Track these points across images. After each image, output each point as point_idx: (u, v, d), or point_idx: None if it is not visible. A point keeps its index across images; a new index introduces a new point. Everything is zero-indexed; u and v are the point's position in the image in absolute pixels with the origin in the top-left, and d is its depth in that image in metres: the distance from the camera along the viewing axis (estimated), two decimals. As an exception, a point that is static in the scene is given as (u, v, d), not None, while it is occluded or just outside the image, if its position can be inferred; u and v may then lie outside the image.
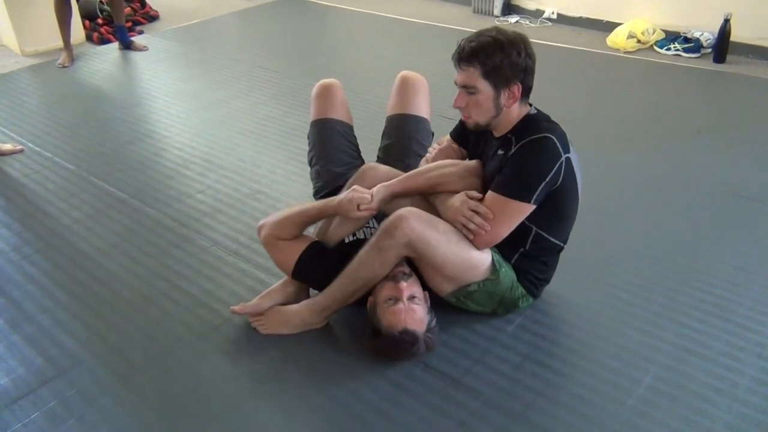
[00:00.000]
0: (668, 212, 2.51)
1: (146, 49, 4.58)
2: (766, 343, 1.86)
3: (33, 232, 2.51)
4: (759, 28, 4.03)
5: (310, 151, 2.31)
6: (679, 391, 1.70)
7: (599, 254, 2.26)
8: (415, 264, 1.83)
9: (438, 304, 1.85)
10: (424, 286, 1.84)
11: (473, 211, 1.74)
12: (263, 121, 3.40)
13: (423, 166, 2.03)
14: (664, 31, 4.35)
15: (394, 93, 2.38)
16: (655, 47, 4.29)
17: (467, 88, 1.74)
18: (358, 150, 2.35)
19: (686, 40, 4.19)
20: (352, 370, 1.80)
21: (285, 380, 1.80)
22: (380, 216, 1.89)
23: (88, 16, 5.00)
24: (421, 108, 2.33)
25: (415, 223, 1.72)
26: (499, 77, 1.70)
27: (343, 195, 1.89)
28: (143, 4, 5.43)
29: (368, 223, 1.99)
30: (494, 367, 1.79)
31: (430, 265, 1.78)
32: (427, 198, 1.88)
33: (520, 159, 1.72)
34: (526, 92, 1.75)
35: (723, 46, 4.01)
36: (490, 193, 1.75)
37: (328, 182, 2.19)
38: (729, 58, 4.04)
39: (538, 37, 4.59)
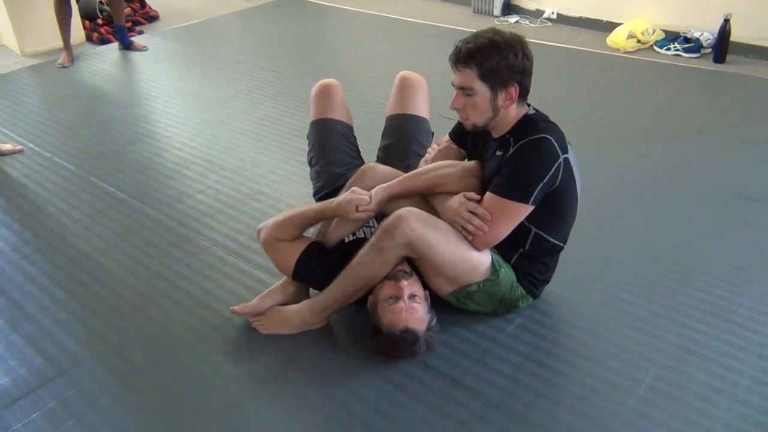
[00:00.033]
0: (668, 212, 2.51)
1: (146, 50, 4.58)
2: (766, 343, 1.86)
3: (33, 232, 2.51)
4: (759, 28, 4.03)
5: (309, 152, 2.31)
6: (679, 391, 1.70)
7: (599, 254, 2.26)
8: (415, 264, 1.83)
9: (438, 304, 1.85)
10: (424, 285, 1.84)
11: (471, 212, 1.74)
12: (263, 121, 3.41)
13: (422, 166, 2.03)
14: (664, 31, 4.35)
15: (393, 93, 2.38)
16: (655, 47, 4.29)
17: (464, 90, 1.74)
18: (358, 150, 2.35)
19: (686, 40, 4.19)
20: (352, 370, 1.80)
21: (285, 380, 1.80)
22: (380, 215, 1.89)
23: (88, 16, 5.00)
24: (421, 108, 2.33)
25: (415, 223, 1.72)
26: (495, 79, 1.69)
27: (342, 197, 1.89)
28: (143, 5, 5.43)
29: (368, 222, 1.99)
30: (494, 367, 1.79)
31: (430, 266, 1.78)
32: (426, 199, 1.88)
33: (518, 160, 1.72)
34: (523, 93, 1.75)
35: (723, 46, 4.01)
36: (488, 195, 1.75)
37: (328, 182, 2.19)
38: (729, 58, 4.04)
39: (538, 37, 4.60)
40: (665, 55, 4.21)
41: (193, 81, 4.06)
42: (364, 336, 1.83)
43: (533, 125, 1.75)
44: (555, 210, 1.80)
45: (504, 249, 1.83)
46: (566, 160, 1.72)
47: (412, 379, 1.76)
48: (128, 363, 1.86)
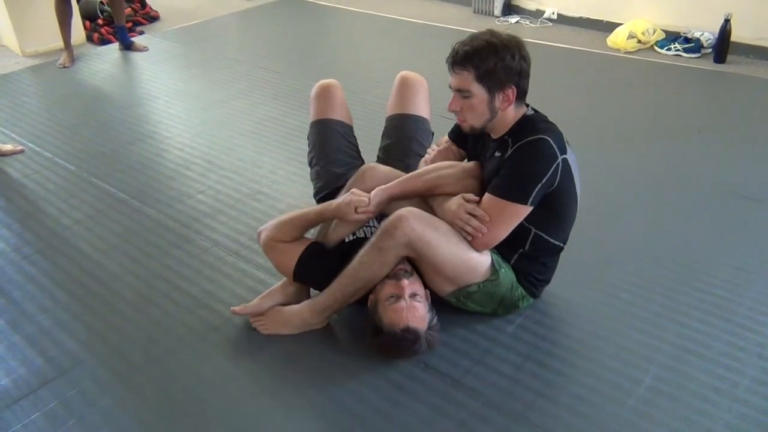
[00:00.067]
0: (668, 212, 2.51)
1: (146, 50, 4.58)
2: (766, 343, 1.85)
3: (33, 233, 2.51)
4: (759, 29, 4.03)
5: (310, 152, 2.32)
6: (680, 391, 1.70)
7: (599, 254, 2.26)
8: (415, 264, 1.83)
9: (438, 303, 1.85)
10: (425, 285, 1.84)
11: (470, 214, 1.74)
12: (263, 122, 3.41)
13: (421, 167, 2.03)
14: (665, 31, 4.35)
15: (393, 93, 2.39)
16: (656, 47, 4.29)
17: (461, 92, 1.74)
18: (358, 150, 2.35)
19: (686, 40, 4.19)
20: (353, 371, 1.80)
21: (285, 380, 1.80)
22: (381, 215, 1.89)
23: (88, 16, 5.01)
24: (421, 108, 2.33)
25: (415, 223, 1.72)
26: (493, 81, 1.69)
27: (341, 198, 1.90)
28: (143, 5, 5.43)
29: (369, 221, 1.99)
30: (494, 368, 1.79)
31: (430, 266, 1.78)
32: (426, 200, 1.88)
33: (516, 161, 1.72)
34: (521, 95, 1.75)
35: (723, 46, 4.00)
36: (487, 196, 1.76)
37: (328, 183, 2.20)
38: (729, 58, 4.04)
39: (538, 37, 4.60)
40: (666, 55, 4.21)
41: (193, 81, 4.06)
42: (364, 336, 1.84)
43: (531, 126, 1.75)
44: (554, 210, 1.80)
45: (504, 249, 1.83)
46: (565, 160, 1.71)
47: (413, 379, 1.76)
48: (128, 363, 1.86)
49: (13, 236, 2.50)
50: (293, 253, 1.91)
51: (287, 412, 1.70)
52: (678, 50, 4.18)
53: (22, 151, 3.15)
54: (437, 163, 1.95)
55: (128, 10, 5.07)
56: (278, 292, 1.99)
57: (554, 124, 1.79)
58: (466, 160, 2.03)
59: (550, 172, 1.69)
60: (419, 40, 4.73)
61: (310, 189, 2.30)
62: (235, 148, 3.13)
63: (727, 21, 3.92)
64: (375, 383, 1.76)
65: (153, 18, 5.40)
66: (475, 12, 5.29)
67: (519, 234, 1.79)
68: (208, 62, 4.36)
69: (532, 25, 4.97)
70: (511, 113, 1.76)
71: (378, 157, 2.31)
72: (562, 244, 1.89)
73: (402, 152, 2.25)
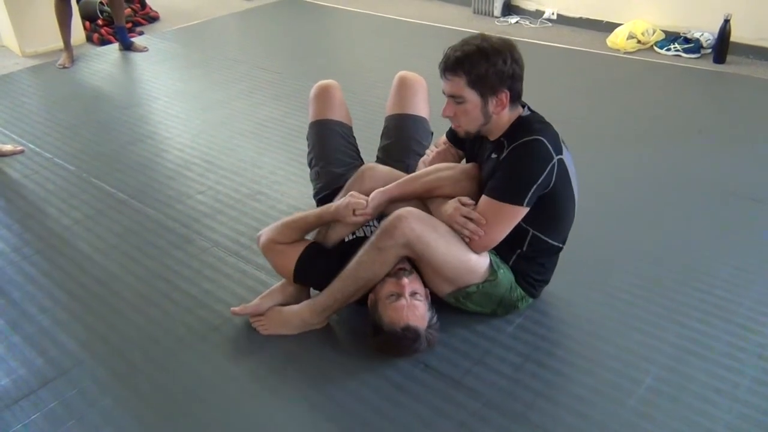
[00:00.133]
0: (668, 212, 2.51)
1: (146, 50, 4.58)
2: (767, 343, 1.85)
3: (33, 233, 2.51)
4: (759, 29, 4.03)
5: (309, 153, 2.32)
6: (680, 391, 1.70)
7: (599, 255, 2.26)
8: (414, 263, 1.83)
9: (438, 303, 1.85)
10: (424, 284, 1.84)
11: (466, 217, 1.74)
12: (264, 122, 3.41)
13: (420, 167, 2.04)
14: (664, 31, 4.35)
15: (392, 93, 2.39)
16: (655, 48, 4.29)
17: (454, 98, 1.74)
18: (358, 150, 2.35)
19: (686, 40, 4.19)
20: (353, 371, 1.80)
21: (285, 380, 1.80)
22: (381, 214, 1.90)
23: (88, 17, 5.01)
24: (420, 108, 2.33)
25: (415, 223, 1.72)
26: (485, 86, 1.69)
27: (340, 201, 1.90)
28: (143, 5, 5.43)
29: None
30: (494, 368, 1.79)
31: (429, 266, 1.78)
32: (424, 202, 1.88)
33: (511, 162, 1.72)
34: (514, 98, 1.74)
35: (723, 46, 4.01)
36: (483, 198, 1.76)
37: (328, 183, 2.20)
38: (729, 58, 4.04)
39: (538, 37, 4.61)
40: (665, 55, 4.21)
41: (193, 82, 4.06)
42: (364, 336, 1.84)
43: (527, 127, 1.75)
44: (552, 211, 1.80)
45: (502, 250, 1.84)
46: (560, 161, 1.71)
47: (412, 380, 1.76)
48: (128, 363, 1.86)
49: (13, 237, 2.50)
50: (293, 254, 1.91)
51: (287, 412, 1.70)
52: (678, 50, 4.18)
53: (22, 152, 3.15)
54: (435, 165, 1.95)
55: (128, 11, 5.07)
56: (278, 293, 1.99)
57: (550, 124, 1.79)
58: (464, 160, 2.03)
59: (546, 172, 1.69)
60: (419, 40, 4.73)
61: (310, 189, 2.30)
62: (235, 149, 3.13)
63: (726, 21, 3.93)
64: (375, 383, 1.75)
65: (153, 18, 5.40)
66: (474, 12, 5.29)
67: (517, 235, 1.79)
68: (208, 63, 4.36)
69: (532, 25, 4.97)
70: (505, 116, 1.76)
71: (377, 157, 2.31)
72: (560, 245, 1.89)
73: (401, 152, 2.25)
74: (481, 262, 1.79)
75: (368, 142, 2.44)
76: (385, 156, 2.27)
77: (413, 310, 1.73)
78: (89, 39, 4.91)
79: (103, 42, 4.83)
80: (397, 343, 1.75)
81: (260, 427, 1.65)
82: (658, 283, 2.10)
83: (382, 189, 1.89)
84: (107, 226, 2.53)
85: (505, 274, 1.85)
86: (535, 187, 1.69)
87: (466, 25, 4.95)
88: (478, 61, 1.67)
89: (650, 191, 2.66)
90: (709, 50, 4.13)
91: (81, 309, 2.08)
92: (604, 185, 2.66)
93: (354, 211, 1.86)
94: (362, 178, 2.01)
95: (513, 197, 1.72)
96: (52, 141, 3.27)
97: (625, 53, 4.28)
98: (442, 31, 4.85)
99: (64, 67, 4.29)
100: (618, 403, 1.67)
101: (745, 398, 1.67)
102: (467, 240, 1.75)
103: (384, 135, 2.36)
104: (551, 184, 1.72)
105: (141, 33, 5.07)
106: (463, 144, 2.00)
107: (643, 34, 4.30)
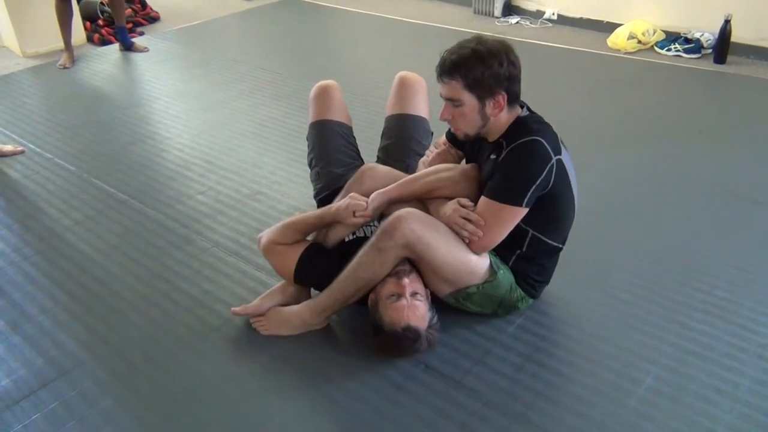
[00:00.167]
0: (669, 213, 2.51)
1: (147, 51, 4.58)
2: (767, 343, 1.85)
3: (34, 234, 2.51)
4: (759, 29, 4.02)
5: (309, 153, 2.32)
6: (680, 392, 1.70)
7: (599, 255, 2.26)
8: (414, 264, 1.83)
9: (438, 304, 1.85)
10: (424, 284, 1.84)
11: (464, 218, 1.74)
12: (264, 122, 3.41)
13: (420, 168, 2.04)
14: (665, 31, 4.35)
15: (392, 93, 2.39)
16: (656, 48, 4.29)
17: (452, 101, 1.74)
18: (358, 151, 2.35)
19: (687, 40, 4.19)
20: (353, 371, 1.80)
21: (285, 381, 1.80)
22: (381, 214, 1.90)
23: (88, 17, 5.01)
24: (420, 108, 2.33)
25: (415, 224, 1.72)
26: (482, 89, 1.69)
27: (340, 202, 1.91)
28: (144, 6, 5.44)
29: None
30: (495, 368, 1.79)
31: (429, 267, 1.78)
32: (424, 203, 1.88)
33: (510, 163, 1.72)
34: (512, 99, 1.74)
35: (723, 46, 4.00)
36: (482, 199, 1.76)
37: (328, 183, 2.20)
38: (729, 58, 4.04)
39: (538, 38, 4.61)
40: (666, 55, 4.21)
41: (194, 82, 4.07)
42: (364, 336, 1.84)
43: (525, 127, 1.75)
44: (551, 212, 1.80)
45: (502, 251, 1.84)
46: (559, 161, 1.71)
47: (413, 380, 1.76)
48: (129, 364, 1.86)
49: (13, 237, 2.50)
50: (293, 255, 1.92)
51: (287, 412, 1.70)
52: (678, 51, 4.18)
53: (22, 152, 3.15)
54: (435, 166, 1.95)
55: (128, 11, 5.07)
56: (278, 293, 1.99)
57: (549, 124, 1.79)
58: (464, 161, 2.03)
59: (544, 173, 1.69)
60: (419, 40, 4.73)
61: (310, 190, 2.30)
62: (235, 149, 3.13)
63: (727, 22, 3.92)
64: (375, 383, 1.75)
65: (153, 19, 5.40)
66: (475, 13, 5.29)
67: (516, 236, 1.79)
68: (208, 63, 4.36)
69: (533, 25, 4.97)
70: (504, 117, 1.76)
71: (378, 157, 2.31)
72: (560, 245, 1.89)
73: (401, 152, 2.25)
74: (481, 263, 1.79)
75: (368, 142, 2.44)
76: (386, 156, 2.27)
77: (414, 310, 1.73)
78: (90, 39, 4.92)
79: (104, 42, 4.84)
80: (397, 344, 1.74)
81: (260, 427, 1.65)
82: (658, 283, 2.10)
83: (381, 190, 1.89)
84: (108, 226, 2.53)
85: (505, 275, 1.85)
86: (533, 187, 1.69)
87: (466, 25, 4.95)
88: (474, 64, 1.67)
89: (650, 191, 2.66)
90: (710, 50, 4.13)
91: (81, 309, 2.08)
92: (604, 185, 2.66)
93: (354, 212, 1.87)
94: (362, 178, 2.01)
95: (512, 198, 1.72)
96: (53, 141, 3.27)
97: (625, 53, 4.28)
98: (442, 31, 4.85)
99: (65, 68, 4.29)
100: (618, 403, 1.67)
101: (746, 398, 1.67)
102: (467, 241, 1.75)
103: (384, 135, 2.36)
104: (550, 185, 1.71)
105: (141, 33, 5.07)
106: (462, 145, 2.00)
107: (643, 34, 4.30)
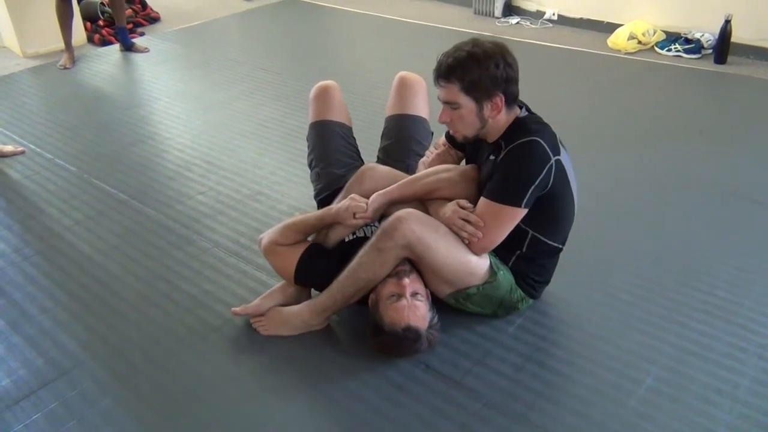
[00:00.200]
0: (669, 213, 2.51)
1: (147, 51, 4.58)
2: (767, 343, 1.85)
3: (34, 234, 2.51)
4: (760, 29, 4.02)
5: (309, 154, 2.32)
6: (680, 392, 1.70)
7: (599, 255, 2.25)
8: (414, 265, 1.83)
9: (438, 304, 1.85)
10: (424, 284, 1.84)
11: (464, 220, 1.74)
12: (264, 123, 3.41)
13: (420, 168, 2.04)
14: (665, 32, 4.35)
15: (392, 94, 2.39)
16: (656, 48, 4.28)
17: (450, 104, 1.74)
18: (358, 151, 2.35)
19: (687, 41, 4.19)
20: (353, 371, 1.80)
21: (285, 381, 1.80)
22: (381, 214, 1.90)
23: (89, 17, 5.01)
24: (420, 108, 2.33)
25: (415, 225, 1.72)
26: (479, 91, 1.69)
27: (340, 203, 1.91)
28: (144, 6, 5.44)
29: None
30: (495, 369, 1.79)
31: (429, 267, 1.78)
32: (424, 204, 1.88)
33: (508, 164, 1.72)
34: (510, 100, 1.74)
35: (724, 47, 4.00)
36: (482, 200, 1.76)
37: (328, 184, 2.20)
38: (730, 59, 4.04)
39: (538, 38, 4.61)
40: (666, 56, 4.21)
41: (194, 82, 4.07)
42: (364, 336, 1.84)
43: (524, 128, 1.75)
44: (550, 212, 1.80)
45: (501, 252, 1.84)
46: (558, 161, 1.71)
47: (413, 380, 1.76)
48: (129, 364, 1.86)
49: (13, 237, 2.50)
50: (293, 256, 1.92)
51: (287, 412, 1.70)
52: (678, 51, 4.18)
53: (22, 153, 3.15)
54: (435, 167, 1.95)
55: (129, 12, 5.08)
56: (278, 293, 1.99)
57: (548, 125, 1.79)
58: (464, 161, 2.03)
59: (543, 173, 1.69)
60: (420, 41, 4.73)
61: (310, 190, 2.30)
62: (235, 149, 3.13)
63: (727, 22, 3.92)
64: (375, 383, 1.75)
65: (154, 19, 5.41)
66: (475, 13, 5.29)
67: (516, 236, 1.79)
68: (208, 63, 4.37)
69: (533, 26, 4.97)
70: (502, 119, 1.76)
71: (378, 157, 2.31)
72: (560, 246, 1.89)
73: (402, 152, 2.25)
74: (481, 263, 1.79)
75: (368, 142, 2.44)
76: (386, 156, 2.27)
77: (414, 310, 1.73)
78: (90, 40, 4.92)
79: (104, 43, 4.84)
80: (397, 344, 1.75)
81: (260, 427, 1.65)
82: (658, 283, 2.10)
83: (381, 192, 1.90)
84: (108, 226, 2.53)
85: (505, 276, 1.85)
86: (532, 188, 1.69)
87: (466, 25, 4.95)
88: (471, 67, 1.67)
89: (651, 191, 2.66)
90: (710, 51, 4.12)
91: (81, 309, 2.08)
92: (605, 185, 2.66)
93: (354, 214, 1.87)
94: (362, 178, 2.01)
95: (511, 199, 1.72)
96: (53, 142, 3.27)
97: (625, 54, 4.28)
98: (442, 31, 4.85)
99: (65, 68, 4.29)
100: (618, 403, 1.67)
101: (746, 399, 1.67)
102: (466, 242, 1.75)
103: (384, 135, 2.36)
104: (549, 185, 1.71)
105: (142, 34, 5.07)
106: (462, 146, 2.00)
107: (643, 34, 4.30)
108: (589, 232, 2.18)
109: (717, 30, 4.00)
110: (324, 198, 2.18)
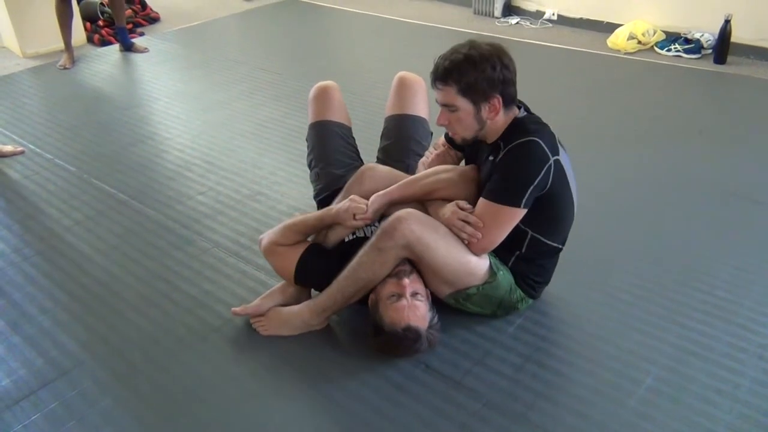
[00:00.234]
0: (669, 213, 2.51)
1: (147, 51, 4.58)
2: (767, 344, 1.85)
3: (34, 234, 2.51)
4: (759, 29, 4.03)
5: (309, 154, 2.32)
6: (680, 392, 1.70)
7: (600, 255, 2.25)
8: (414, 265, 1.83)
9: (438, 304, 1.85)
10: (424, 284, 1.84)
11: (463, 221, 1.74)
12: (264, 123, 3.41)
13: (420, 169, 2.04)
14: (665, 32, 4.35)
15: (392, 94, 2.39)
16: (656, 48, 4.29)
17: (447, 107, 1.74)
18: (357, 151, 2.35)
19: (687, 41, 4.19)
20: (353, 371, 1.80)
21: (285, 380, 1.80)
22: (381, 214, 1.90)
23: (89, 17, 5.01)
24: (419, 108, 2.34)
25: (415, 225, 1.72)
26: (476, 93, 1.69)
27: (340, 204, 1.91)
28: (144, 6, 5.44)
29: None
30: (495, 369, 1.79)
31: (429, 268, 1.78)
32: (423, 204, 1.88)
33: (507, 164, 1.72)
34: (508, 102, 1.74)
35: (723, 47, 4.00)
36: (481, 200, 1.76)
37: (328, 184, 2.20)
38: (729, 59, 4.04)
39: (538, 38, 4.61)
40: (666, 56, 4.21)
41: (194, 82, 4.07)
42: (364, 336, 1.84)
43: (522, 128, 1.75)
44: (550, 212, 1.80)
45: (501, 252, 1.84)
46: (557, 161, 1.71)
47: (413, 380, 1.76)
48: (129, 364, 1.86)
49: (13, 237, 2.50)
50: (293, 256, 1.92)
51: (287, 412, 1.70)
52: (678, 51, 4.18)
53: (22, 153, 3.15)
54: (435, 168, 1.95)
55: (129, 12, 5.08)
56: (278, 293, 1.99)
57: (546, 125, 1.79)
58: (463, 162, 2.03)
59: (542, 173, 1.69)
60: (419, 41, 4.73)
61: (310, 190, 2.30)
62: (235, 150, 3.13)
63: (727, 22, 3.93)
64: (375, 383, 1.75)
65: (153, 19, 5.41)
66: (475, 13, 5.29)
67: (516, 236, 1.79)
68: (208, 63, 4.37)
69: (533, 26, 4.97)
70: (500, 120, 1.76)
71: (377, 157, 2.31)
72: (559, 246, 1.89)
73: (401, 152, 2.25)
74: (480, 264, 1.79)
75: (368, 142, 2.44)
76: (385, 156, 2.27)
77: (414, 310, 1.73)
78: (90, 40, 4.92)
79: (104, 43, 4.84)
80: (397, 344, 1.75)
81: (260, 427, 1.65)
82: (658, 284, 2.10)
83: (381, 192, 1.90)
84: (108, 227, 2.53)
85: (505, 276, 1.85)
86: (531, 188, 1.69)
87: (466, 25, 4.95)
88: (467, 69, 1.67)
89: (650, 191, 2.66)
90: (710, 51, 4.13)
91: (81, 310, 2.08)
92: (604, 185, 2.66)
93: (354, 215, 1.87)
94: (362, 178, 2.01)
95: (510, 199, 1.72)
96: (53, 142, 3.27)
97: (625, 54, 4.28)
98: (442, 31, 4.85)
99: (65, 68, 4.29)
100: (618, 403, 1.67)
101: (746, 399, 1.67)
102: (466, 243, 1.75)
103: (384, 135, 2.36)
104: (548, 185, 1.71)
105: (142, 34, 5.07)
106: (461, 146, 2.00)
107: (643, 34, 4.30)
108: (589, 232, 2.18)
109: (717, 30, 4.00)
110: (324, 198, 2.18)
